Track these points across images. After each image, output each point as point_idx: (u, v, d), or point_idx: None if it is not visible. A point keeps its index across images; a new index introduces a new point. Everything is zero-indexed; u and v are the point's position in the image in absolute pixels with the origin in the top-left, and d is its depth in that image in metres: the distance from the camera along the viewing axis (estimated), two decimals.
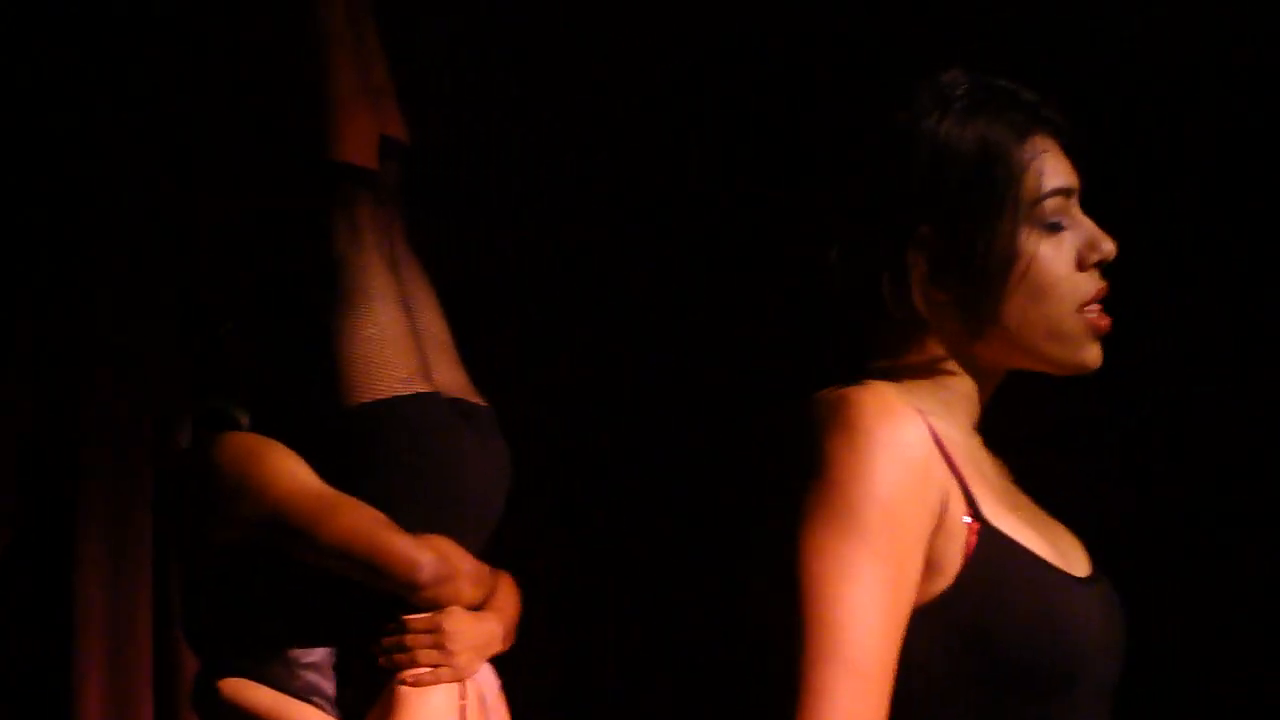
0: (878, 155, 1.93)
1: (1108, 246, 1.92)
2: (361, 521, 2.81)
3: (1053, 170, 1.92)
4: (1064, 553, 1.92)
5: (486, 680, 2.96)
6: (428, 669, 2.86)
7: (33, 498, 3.77)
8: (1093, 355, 1.93)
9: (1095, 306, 1.93)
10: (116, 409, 3.81)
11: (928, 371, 1.92)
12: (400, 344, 2.90)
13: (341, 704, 2.85)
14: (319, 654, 2.86)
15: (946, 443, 1.84)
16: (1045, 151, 1.92)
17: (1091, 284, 1.92)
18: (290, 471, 2.84)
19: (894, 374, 1.91)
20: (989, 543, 1.82)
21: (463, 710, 2.89)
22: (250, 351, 2.97)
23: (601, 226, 4.13)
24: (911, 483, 1.78)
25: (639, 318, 4.11)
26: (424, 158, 3.13)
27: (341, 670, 2.87)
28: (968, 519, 1.82)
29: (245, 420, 2.91)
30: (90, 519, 3.76)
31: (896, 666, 1.77)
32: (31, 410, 3.78)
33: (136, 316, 3.85)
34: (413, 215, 3.09)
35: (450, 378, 3.02)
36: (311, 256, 2.94)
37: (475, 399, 3.05)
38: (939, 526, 1.80)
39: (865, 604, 1.74)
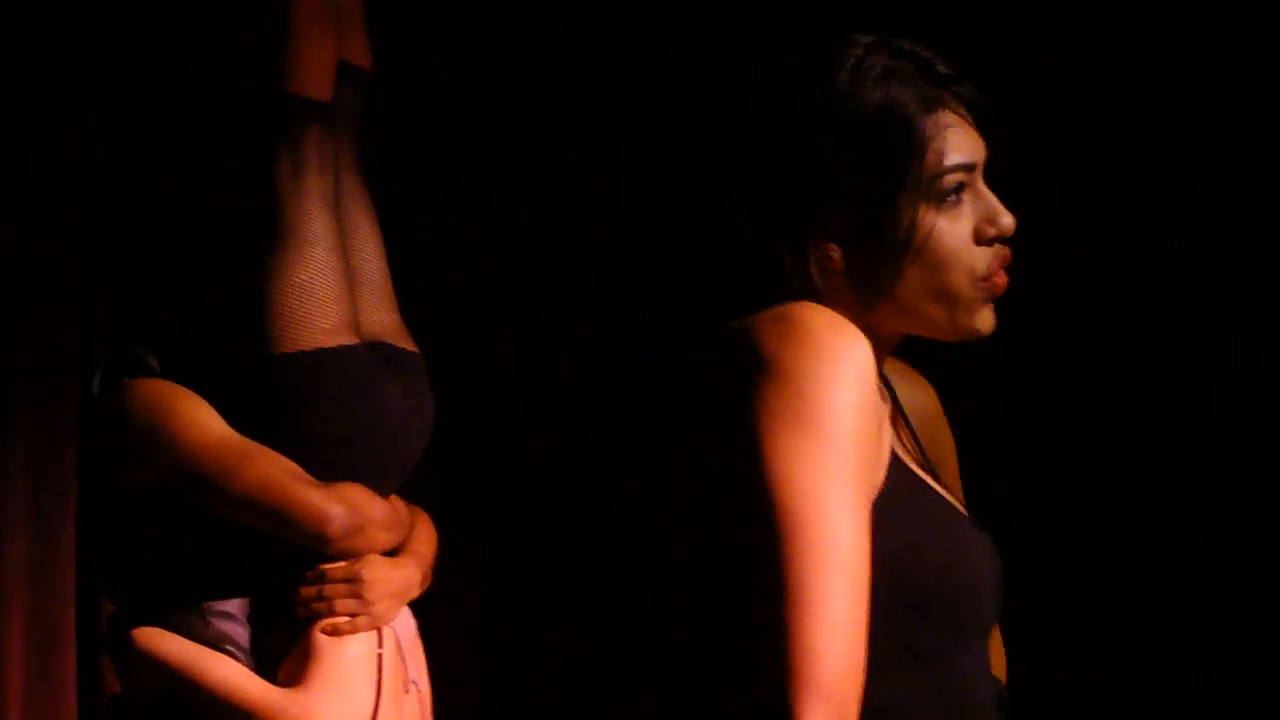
0: (783, 124, 1.92)
1: (1006, 221, 1.93)
2: (271, 473, 2.79)
3: (956, 145, 1.92)
4: (953, 498, 1.96)
5: (404, 625, 2.95)
6: (346, 618, 2.85)
7: None
8: (985, 320, 1.95)
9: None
10: (39, 352, 3.77)
11: None
12: (330, 292, 2.86)
13: (256, 653, 2.83)
14: (233, 603, 2.84)
15: None
16: (950, 126, 1.92)
17: (988, 258, 1.93)
18: (200, 421, 2.81)
19: None
20: (899, 476, 1.86)
21: (379, 659, 2.88)
22: (171, 290, 2.92)
23: (533, 178, 4.12)
24: (867, 394, 1.80)
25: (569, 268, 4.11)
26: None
27: (256, 619, 2.85)
28: (887, 450, 1.86)
29: (155, 365, 2.87)
30: (13, 466, 3.72)
31: None
32: None
33: (63, 247, 3.80)
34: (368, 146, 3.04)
35: (381, 321, 2.99)
36: (248, 193, 2.88)
37: (404, 343, 3.02)
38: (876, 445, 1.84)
39: (848, 508, 1.77)
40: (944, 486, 2.00)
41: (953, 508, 1.92)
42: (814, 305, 1.85)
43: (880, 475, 1.85)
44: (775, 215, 1.91)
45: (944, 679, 1.88)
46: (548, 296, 4.13)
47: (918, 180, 1.90)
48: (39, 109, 3.79)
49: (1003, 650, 2.28)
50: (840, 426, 1.77)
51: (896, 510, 1.84)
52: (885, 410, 1.95)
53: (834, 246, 1.90)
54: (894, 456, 1.87)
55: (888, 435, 1.87)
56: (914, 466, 1.91)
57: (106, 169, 3.73)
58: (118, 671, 2.92)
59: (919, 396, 2.17)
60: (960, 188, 1.92)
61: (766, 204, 1.91)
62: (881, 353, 1.96)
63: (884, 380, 2.05)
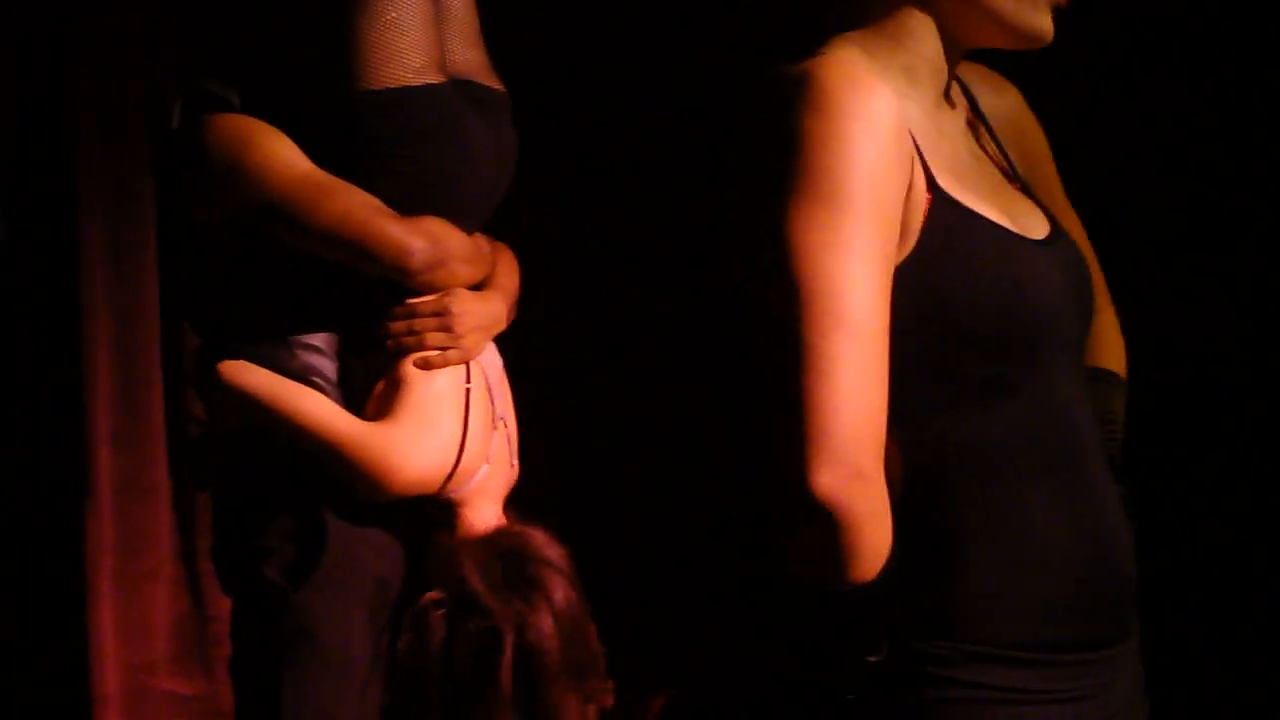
0: None
1: None
2: (353, 207, 2.76)
3: None
4: (1020, 218, 1.97)
5: (490, 361, 2.95)
6: (436, 351, 2.84)
7: (30, 180, 3.72)
8: (1048, 24, 1.97)
9: None
10: (111, 85, 3.73)
11: (895, 34, 1.95)
12: (418, 30, 2.82)
13: (343, 386, 2.83)
14: (320, 336, 2.83)
15: (905, 114, 1.88)
16: None
17: None
18: (282, 155, 2.77)
19: (860, 38, 1.95)
20: (943, 211, 1.87)
21: (467, 394, 2.88)
22: (254, 24, 2.88)
23: None
24: (886, 150, 1.81)
25: None
26: None
27: (344, 353, 2.84)
28: (925, 189, 1.87)
29: (235, 100, 2.83)
30: (91, 197, 3.71)
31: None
32: (20, 89, 3.70)
33: None
34: None
35: (467, 58, 2.95)
36: None
37: (490, 81, 2.98)
38: (907, 195, 1.85)
39: (860, 270, 1.79)
40: (1031, 196, 2.04)
41: (1006, 233, 1.92)
42: (838, 57, 1.87)
43: (917, 222, 1.85)
44: None
45: (1027, 407, 1.90)
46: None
47: None
48: None
49: (1119, 341, 2.25)
50: (849, 188, 1.79)
51: (941, 248, 1.86)
52: (942, 140, 1.96)
53: None
54: (938, 193, 1.87)
55: (920, 176, 1.87)
56: (961, 196, 1.90)
57: None
58: (204, 404, 2.92)
59: (1004, 102, 2.15)
60: None
61: None
62: (951, 56, 1.98)
63: (963, 87, 2.08)
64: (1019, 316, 1.88)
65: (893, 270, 1.83)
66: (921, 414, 1.87)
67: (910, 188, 1.85)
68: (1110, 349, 2.22)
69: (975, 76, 2.12)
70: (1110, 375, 2.19)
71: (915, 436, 1.87)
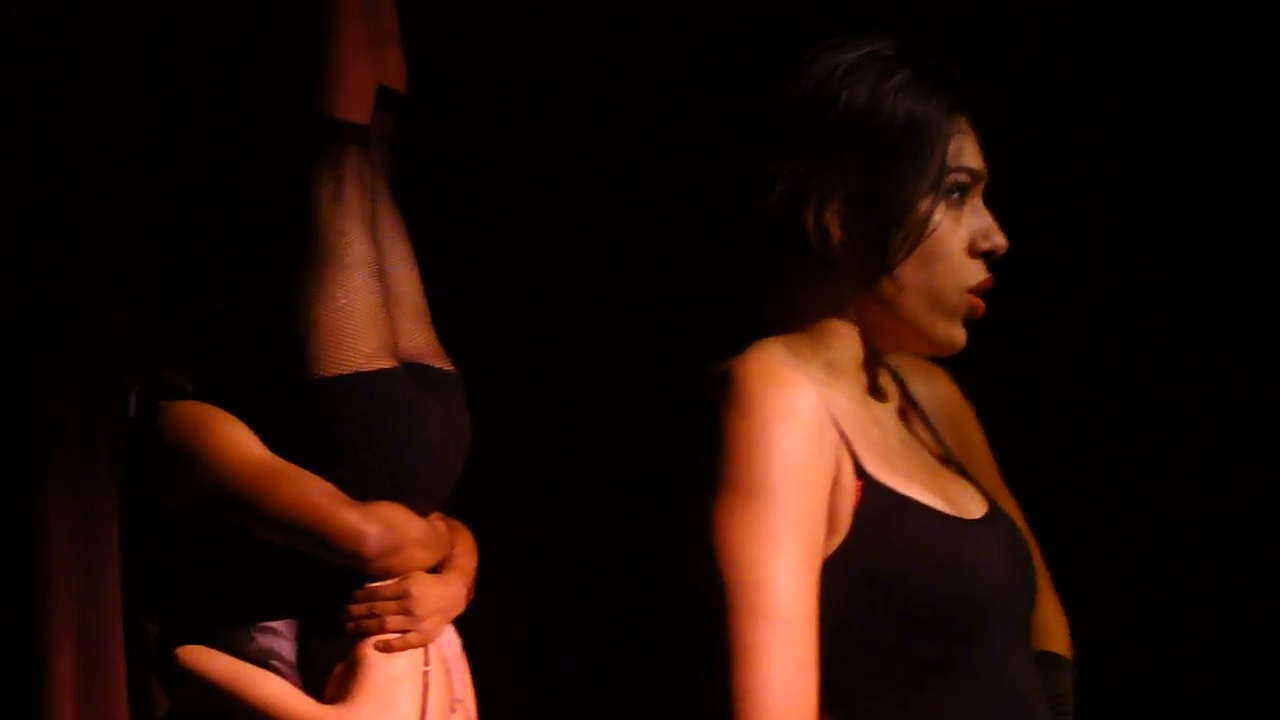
0: (815, 100, 1.99)
1: (999, 240, 2.01)
2: (307, 494, 2.79)
3: (970, 151, 2.01)
4: (956, 499, 2.01)
5: (449, 642, 2.95)
6: (396, 635, 2.85)
7: None
8: (960, 336, 2.02)
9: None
10: (80, 375, 3.78)
11: (818, 334, 2.01)
12: (369, 315, 2.86)
13: (302, 668, 2.83)
14: (279, 619, 2.84)
15: (830, 406, 1.92)
16: (964, 134, 2.01)
17: (978, 272, 2.01)
18: (236, 442, 2.81)
19: (784, 339, 2.00)
20: (875, 497, 1.91)
21: (425, 677, 2.88)
22: (209, 312, 2.93)
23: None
24: (807, 443, 1.86)
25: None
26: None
27: (303, 635, 2.85)
28: (854, 477, 1.90)
29: (189, 387, 2.87)
30: (56, 490, 3.73)
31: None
32: None
33: (99, 277, 3.80)
34: (400, 167, 3.04)
35: (417, 341, 2.99)
36: (289, 216, 2.88)
37: (441, 363, 3.02)
38: (834, 484, 1.89)
39: (783, 562, 1.83)
40: (967, 477, 2.07)
41: (940, 515, 1.95)
42: (763, 355, 1.93)
43: (848, 509, 1.90)
44: (807, 186, 1.97)
45: (975, 684, 1.91)
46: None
47: (934, 173, 1.97)
48: (80, 143, 3.81)
49: (1062, 623, 2.27)
50: (771, 482, 1.84)
51: (874, 534, 1.90)
52: (869, 428, 1.99)
53: (835, 220, 1.97)
54: (867, 480, 1.91)
55: (848, 465, 1.91)
56: (893, 482, 1.94)
57: (146, 196, 3.73)
58: (165, 690, 2.92)
59: (938, 389, 2.20)
60: (964, 190, 1.99)
61: (799, 176, 1.98)
62: (870, 357, 2.03)
63: (895, 376, 2.13)
64: (959, 596, 1.91)
65: (819, 560, 1.87)
66: (870, 696, 1.89)
67: (837, 477, 1.89)
68: (1053, 632, 2.23)
69: (907, 365, 2.17)
70: (1056, 658, 2.20)
71: (867, 718, 1.89)
